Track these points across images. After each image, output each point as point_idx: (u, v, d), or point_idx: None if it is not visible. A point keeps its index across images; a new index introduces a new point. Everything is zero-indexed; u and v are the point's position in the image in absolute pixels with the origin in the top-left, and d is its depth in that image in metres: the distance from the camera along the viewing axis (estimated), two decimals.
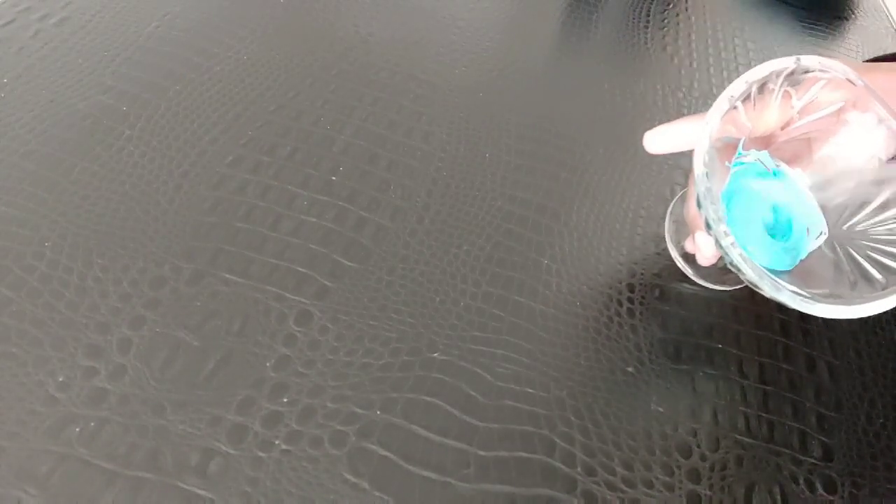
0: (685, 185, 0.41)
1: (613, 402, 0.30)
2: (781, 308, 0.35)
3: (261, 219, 0.34)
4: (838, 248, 0.29)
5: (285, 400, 0.28)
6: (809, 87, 0.28)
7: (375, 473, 0.27)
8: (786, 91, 0.28)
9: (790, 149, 0.30)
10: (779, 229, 0.30)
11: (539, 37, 0.50)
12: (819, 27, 0.61)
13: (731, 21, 0.58)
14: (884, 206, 0.28)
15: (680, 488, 0.28)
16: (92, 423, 0.26)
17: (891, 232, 0.27)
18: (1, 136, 0.35)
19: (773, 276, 0.24)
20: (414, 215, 0.36)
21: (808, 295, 0.25)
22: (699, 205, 0.26)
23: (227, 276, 0.32)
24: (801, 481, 0.29)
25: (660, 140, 0.32)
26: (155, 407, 0.27)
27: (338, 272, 0.33)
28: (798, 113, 0.29)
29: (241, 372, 0.29)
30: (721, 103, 0.26)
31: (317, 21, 0.46)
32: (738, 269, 0.25)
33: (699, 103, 0.48)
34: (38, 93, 0.37)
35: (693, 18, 0.58)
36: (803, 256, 0.29)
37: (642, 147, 0.32)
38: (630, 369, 0.32)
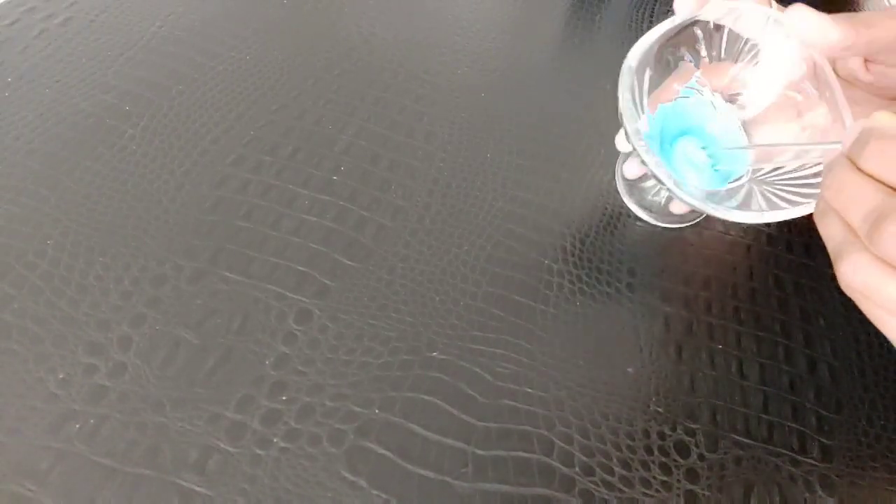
0: None
1: (613, 402, 0.30)
2: (783, 309, 0.35)
3: (262, 218, 0.34)
4: (755, 188, 0.30)
5: (284, 398, 0.28)
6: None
7: (373, 472, 0.27)
8: None
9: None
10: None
11: (542, 37, 0.50)
12: None
13: None
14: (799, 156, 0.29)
15: (678, 488, 0.28)
16: (91, 420, 0.26)
17: (807, 174, 0.28)
18: (4, 135, 0.35)
19: (678, 182, 0.27)
20: (415, 215, 0.36)
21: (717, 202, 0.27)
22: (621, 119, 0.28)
23: (228, 274, 0.32)
24: (800, 482, 0.29)
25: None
26: (154, 404, 0.27)
27: (338, 271, 0.33)
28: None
29: (241, 370, 0.29)
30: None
31: (319, 21, 0.46)
32: (654, 174, 0.27)
33: None
34: (42, 92, 0.37)
35: None
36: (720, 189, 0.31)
37: None
38: (630, 369, 0.32)
